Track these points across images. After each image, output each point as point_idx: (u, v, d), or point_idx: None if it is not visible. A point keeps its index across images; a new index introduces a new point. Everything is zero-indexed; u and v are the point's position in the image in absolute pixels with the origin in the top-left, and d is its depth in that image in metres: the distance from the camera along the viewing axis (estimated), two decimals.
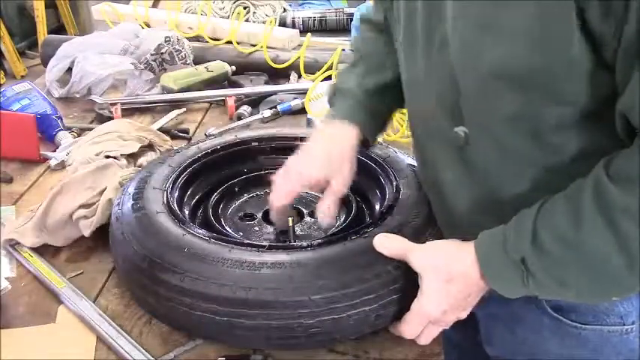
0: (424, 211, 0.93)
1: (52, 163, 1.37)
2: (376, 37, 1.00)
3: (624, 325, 0.80)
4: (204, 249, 0.85)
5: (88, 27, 4.17)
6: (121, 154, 1.24)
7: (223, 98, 1.68)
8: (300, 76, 1.77)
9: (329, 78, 1.62)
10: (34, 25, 4.04)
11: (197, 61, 1.82)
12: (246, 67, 1.85)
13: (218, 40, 1.95)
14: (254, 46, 1.88)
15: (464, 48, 0.70)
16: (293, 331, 0.79)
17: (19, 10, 4.23)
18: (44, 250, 1.10)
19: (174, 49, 1.77)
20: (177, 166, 1.07)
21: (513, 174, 0.75)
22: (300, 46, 1.87)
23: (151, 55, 1.74)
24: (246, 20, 2.10)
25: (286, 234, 0.98)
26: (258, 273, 0.80)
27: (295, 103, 1.62)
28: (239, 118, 1.61)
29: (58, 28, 4.26)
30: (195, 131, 1.57)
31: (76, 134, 1.49)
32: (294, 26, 2.23)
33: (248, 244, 0.87)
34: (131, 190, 1.00)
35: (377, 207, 1.04)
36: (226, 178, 1.13)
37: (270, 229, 1.01)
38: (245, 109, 1.63)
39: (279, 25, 2.12)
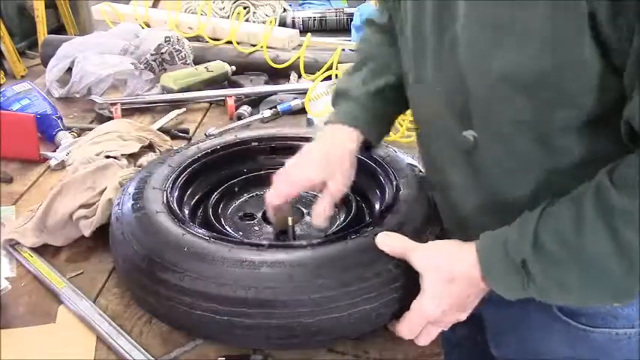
0: (424, 210, 0.93)
1: (52, 163, 1.37)
2: (381, 38, 1.00)
3: (633, 327, 0.80)
4: (204, 248, 0.85)
5: (88, 27, 4.17)
6: (121, 154, 1.24)
7: (223, 98, 1.68)
8: (300, 76, 1.77)
9: (329, 78, 1.63)
10: (34, 25, 4.04)
11: (197, 61, 1.82)
12: (246, 67, 1.85)
13: (218, 40, 1.95)
14: (254, 46, 1.88)
15: (474, 50, 0.70)
16: (293, 330, 0.79)
17: (19, 10, 4.24)
18: (44, 250, 1.10)
19: (174, 49, 1.77)
20: (177, 166, 1.07)
21: (520, 176, 0.74)
22: (300, 46, 1.87)
23: (151, 55, 1.74)
24: (246, 20, 2.10)
25: (286, 233, 0.98)
26: (257, 272, 0.80)
27: (295, 103, 1.62)
28: (239, 118, 1.61)
29: (58, 28, 4.26)
30: (195, 131, 1.57)
31: (76, 134, 1.49)
32: (294, 26, 2.23)
33: (248, 244, 0.87)
34: (131, 190, 1.00)
35: (377, 206, 1.04)
36: (226, 177, 1.13)
37: (269, 228, 1.02)
38: (245, 109, 1.63)
39: (279, 25, 2.12)
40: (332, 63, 1.62)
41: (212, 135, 1.44)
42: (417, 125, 0.90)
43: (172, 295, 0.83)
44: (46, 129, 1.47)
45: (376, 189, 1.06)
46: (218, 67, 1.78)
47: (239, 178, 1.14)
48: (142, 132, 1.36)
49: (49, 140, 1.47)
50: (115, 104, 1.60)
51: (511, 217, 0.71)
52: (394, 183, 1.00)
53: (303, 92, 1.64)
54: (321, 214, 0.89)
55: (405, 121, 1.42)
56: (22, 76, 3.91)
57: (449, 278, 0.74)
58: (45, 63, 1.85)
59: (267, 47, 1.83)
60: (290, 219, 0.96)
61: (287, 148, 1.15)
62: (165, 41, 1.76)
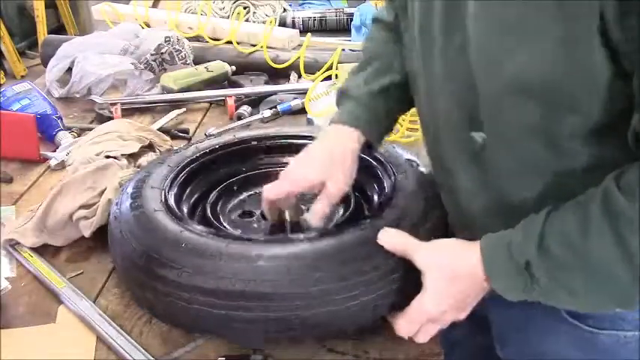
0: (422, 205, 0.93)
1: (52, 163, 1.37)
2: (387, 36, 0.99)
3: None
4: (202, 244, 0.85)
5: (88, 27, 4.17)
6: (121, 154, 1.24)
7: (223, 98, 1.68)
8: (300, 76, 1.77)
9: (329, 78, 1.63)
10: (34, 25, 4.04)
11: (197, 61, 1.82)
12: (246, 67, 1.85)
13: (218, 40, 1.95)
14: (254, 46, 1.88)
15: (485, 51, 0.69)
16: (290, 323, 0.79)
17: (19, 10, 4.24)
18: (44, 250, 1.10)
19: (174, 49, 1.78)
20: (176, 165, 1.07)
21: (527, 179, 0.74)
22: (300, 46, 1.87)
23: (151, 55, 1.74)
24: (246, 20, 2.10)
25: (284, 229, 0.98)
26: (255, 266, 0.80)
27: (295, 103, 1.62)
28: (239, 118, 1.61)
29: (58, 28, 4.26)
30: (195, 131, 1.57)
31: (76, 134, 1.49)
32: (294, 26, 2.23)
33: (245, 239, 0.87)
34: (129, 189, 1.00)
35: (375, 201, 1.04)
36: (225, 176, 1.13)
37: (268, 225, 1.02)
38: (245, 109, 1.63)
39: (279, 25, 2.12)
40: (332, 63, 1.62)
41: (212, 135, 1.44)
42: (423, 125, 0.90)
43: (170, 290, 0.82)
44: (46, 129, 1.47)
45: (375, 184, 1.06)
46: (218, 67, 1.78)
47: (238, 177, 1.14)
48: (142, 132, 1.36)
49: (49, 140, 1.47)
50: (115, 104, 1.60)
51: (517, 219, 0.71)
52: (392, 178, 1.00)
53: (303, 92, 1.64)
54: (317, 213, 0.89)
55: (405, 121, 1.42)
56: (22, 76, 3.91)
57: (451, 277, 0.74)
58: (45, 63, 1.85)
59: (267, 47, 1.83)
60: (287, 212, 0.96)
61: (285, 146, 1.16)
62: (166, 41, 1.76)
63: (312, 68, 1.73)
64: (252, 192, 1.12)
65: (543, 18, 0.62)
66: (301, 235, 0.88)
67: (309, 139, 1.08)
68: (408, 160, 1.05)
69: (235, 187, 1.13)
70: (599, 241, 0.64)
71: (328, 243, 0.84)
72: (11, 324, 0.95)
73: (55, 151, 1.42)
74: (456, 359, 1.08)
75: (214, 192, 1.10)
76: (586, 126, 0.67)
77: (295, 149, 1.02)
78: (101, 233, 1.07)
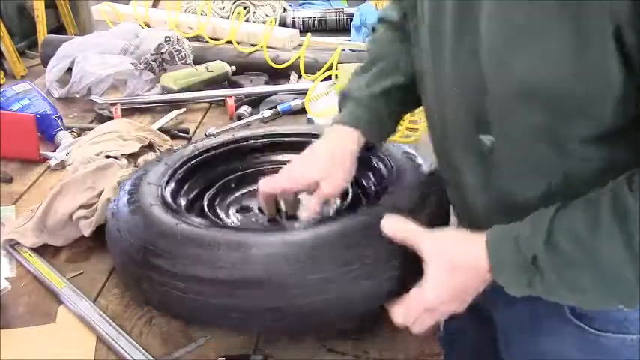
0: (419, 193, 0.93)
1: (52, 163, 1.37)
2: (392, 36, 0.99)
3: None
4: (197, 234, 0.85)
5: (88, 27, 4.17)
6: (122, 154, 1.24)
7: (223, 98, 1.68)
8: (300, 76, 1.77)
9: (329, 78, 1.63)
10: (34, 25, 4.04)
11: (197, 61, 1.82)
12: (246, 67, 1.85)
13: (218, 40, 1.95)
14: (254, 46, 1.88)
15: (496, 53, 0.69)
16: (285, 311, 0.79)
17: (19, 10, 4.24)
18: (44, 250, 1.10)
19: (174, 49, 1.77)
20: (173, 163, 1.08)
21: (535, 181, 0.74)
22: (300, 46, 1.87)
23: (151, 55, 1.74)
24: (246, 20, 2.10)
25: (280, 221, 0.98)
26: (251, 254, 0.80)
27: (295, 103, 1.62)
28: (239, 118, 1.61)
29: (58, 28, 4.26)
30: (195, 131, 1.57)
31: (76, 134, 1.49)
32: (294, 26, 2.23)
33: (241, 228, 0.87)
34: (127, 187, 1.01)
35: (372, 190, 1.05)
36: (223, 174, 1.14)
37: (265, 219, 1.02)
38: (245, 109, 1.63)
39: (279, 25, 2.12)
40: (332, 63, 1.62)
41: (212, 135, 1.44)
42: (430, 123, 0.89)
43: (167, 280, 0.82)
44: (46, 129, 1.47)
45: (372, 175, 1.06)
46: (218, 67, 1.78)
47: (236, 175, 1.15)
48: (142, 132, 1.36)
49: (49, 140, 1.47)
50: (115, 104, 1.60)
51: (522, 217, 0.71)
52: (390, 167, 1.00)
53: (303, 92, 1.64)
54: (309, 209, 0.89)
55: (404, 121, 1.42)
56: (22, 76, 3.91)
57: (453, 267, 0.73)
58: (45, 63, 1.85)
59: (267, 47, 1.83)
60: (282, 202, 0.96)
61: (283, 144, 1.17)
62: (166, 41, 1.76)
63: (312, 68, 1.73)
64: (250, 189, 1.13)
65: (549, 18, 0.61)
66: (296, 224, 0.88)
67: (305, 137, 1.09)
68: (406, 152, 1.05)
69: (233, 185, 1.13)
70: (608, 239, 0.63)
71: (325, 230, 0.84)
72: (11, 324, 0.95)
73: (55, 151, 1.42)
74: (456, 359, 1.08)
75: (212, 189, 1.10)
76: (597, 130, 0.66)
77: (294, 147, 1.03)
78: (101, 233, 1.06)
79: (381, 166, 1.03)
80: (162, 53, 1.76)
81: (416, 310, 0.75)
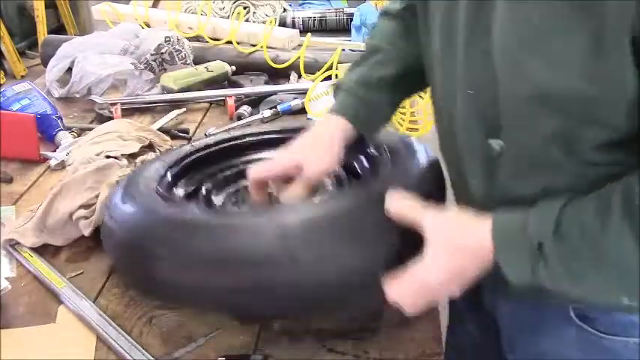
0: (410, 173, 0.92)
1: (52, 163, 1.37)
2: (392, 28, 0.99)
3: None
4: (191, 218, 0.85)
5: (88, 27, 4.17)
6: (122, 154, 1.24)
7: (223, 98, 1.68)
8: (300, 76, 1.77)
9: (329, 78, 1.63)
10: (34, 25, 4.04)
11: (197, 61, 1.82)
12: (246, 67, 1.85)
13: (218, 40, 1.95)
14: (254, 46, 1.88)
15: (510, 54, 0.67)
16: (279, 291, 0.78)
17: (19, 10, 4.24)
18: (44, 250, 1.10)
19: (174, 49, 1.77)
20: (170, 159, 1.08)
21: (541, 183, 0.73)
22: (300, 46, 1.87)
23: (151, 55, 1.74)
24: (246, 20, 2.10)
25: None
26: (244, 236, 0.79)
27: (295, 103, 1.62)
28: (239, 118, 1.61)
29: (58, 28, 4.27)
30: (195, 131, 1.57)
31: (76, 134, 1.49)
32: (294, 26, 2.23)
33: (234, 212, 0.87)
34: (122, 183, 1.01)
35: (366, 175, 1.05)
36: (220, 170, 1.14)
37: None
38: (245, 109, 1.63)
39: (279, 25, 2.12)
40: (332, 63, 1.62)
41: (212, 135, 1.44)
42: (437, 115, 0.89)
43: (162, 266, 0.82)
44: (46, 129, 1.47)
45: (366, 162, 1.06)
46: (218, 67, 1.78)
47: (232, 171, 1.15)
48: (142, 132, 1.36)
49: (49, 140, 1.47)
50: (115, 104, 1.60)
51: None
52: (380, 149, 0.99)
53: (303, 92, 1.64)
54: (291, 192, 0.90)
55: (404, 121, 1.42)
56: (22, 76, 3.92)
57: (456, 247, 0.71)
58: (45, 63, 1.85)
59: (267, 47, 1.83)
60: (273, 187, 0.96)
61: (281, 140, 1.17)
62: (165, 41, 1.76)
63: (312, 68, 1.73)
64: (246, 184, 1.13)
65: (565, 18, 0.60)
66: (288, 205, 0.89)
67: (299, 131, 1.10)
68: (402, 138, 1.04)
69: (228, 179, 1.14)
70: (617, 235, 0.62)
71: (317, 209, 0.84)
72: (11, 324, 0.95)
73: (55, 151, 1.42)
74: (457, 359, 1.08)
75: (207, 183, 1.11)
76: (610, 135, 0.66)
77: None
78: None
79: (373, 149, 1.02)
80: (162, 53, 1.76)
81: (411, 289, 0.73)
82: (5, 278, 1.02)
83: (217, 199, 1.09)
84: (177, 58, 1.78)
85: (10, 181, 1.34)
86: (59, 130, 1.48)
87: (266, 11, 2.22)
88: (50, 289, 1.01)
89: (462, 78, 0.76)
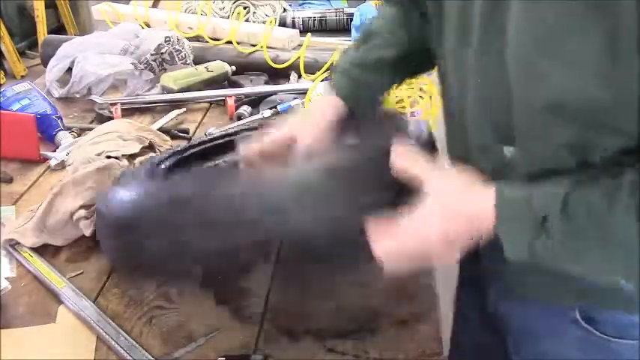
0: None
1: (52, 163, 1.37)
2: (392, 14, 0.99)
3: None
4: (184, 191, 0.86)
5: (88, 27, 4.17)
6: (122, 155, 1.24)
7: (223, 98, 1.68)
8: (300, 76, 1.77)
9: (329, 78, 1.63)
10: (34, 25, 4.04)
11: (197, 61, 1.82)
12: (246, 67, 1.85)
13: (218, 40, 1.94)
14: (254, 46, 1.88)
15: (524, 55, 0.66)
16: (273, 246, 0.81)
17: (19, 10, 4.24)
18: (44, 250, 1.10)
19: (174, 49, 1.77)
20: (163, 155, 1.10)
21: (551, 186, 0.71)
22: (300, 46, 1.87)
23: (151, 55, 1.74)
24: (246, 20, 2.10)
25: None
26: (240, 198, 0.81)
27: (295, 103, 1.62)
28: (239, 118, 1.61)
29: (58, 28, 4.27)
30: (195, 131, 1.57)
31: (76, 134, 1.49)
32: (294, 26, 2.22)
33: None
34: (117, 180, 1.02)
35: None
36: (215, 165, 1.15)
37: None
38: (245, 109, 1.63)
39: (279, 25, 2.12)
40: (332, 63, 1.62)
41: (212, 135, 1.44)
42: (447, 124, 0.88)
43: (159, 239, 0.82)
44: (46, 129, 1.47)
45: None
46: (218, 67, 1.78)
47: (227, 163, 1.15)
48: (142, 132, 1.36)
49: (49, 140, 1.47)
50: (115, 104, 1.60)
51: None
52: (378, 128, 0.99)
53: (303, 92, 1.64)
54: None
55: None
56: (22, 76, 3.92)
57: (452, 213, 0.69)
58: (45, 63, 1.85)
59: (267, 47, 1.83)
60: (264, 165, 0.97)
61: None
62: (165, 41, 1.76)
63: (312, 68, 1.73)
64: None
65: (581, 17, 0.59)
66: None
67: None
68: (399, 114, 1.06)
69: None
70: (622, 219, 0.61)
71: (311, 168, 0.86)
72: (11, 324, 0.95)
73: (55, 151, 1.42)
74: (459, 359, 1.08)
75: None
76: (626, 143, 0.65)
77: None
78: None
79: (372, 129, 1.01)
80: (162, 53, 1.76)
81: (398, 248, 0.71)
82: (5, 278, 1.03)
83: None
84: (177, 58, 1.78)
85: (10, 181, 1.34)
86: (59, 130, 1.48)
87: (266, 11, 2.22)
88: (50, 289, 1.01)
89: (474, 82, 0.75)
